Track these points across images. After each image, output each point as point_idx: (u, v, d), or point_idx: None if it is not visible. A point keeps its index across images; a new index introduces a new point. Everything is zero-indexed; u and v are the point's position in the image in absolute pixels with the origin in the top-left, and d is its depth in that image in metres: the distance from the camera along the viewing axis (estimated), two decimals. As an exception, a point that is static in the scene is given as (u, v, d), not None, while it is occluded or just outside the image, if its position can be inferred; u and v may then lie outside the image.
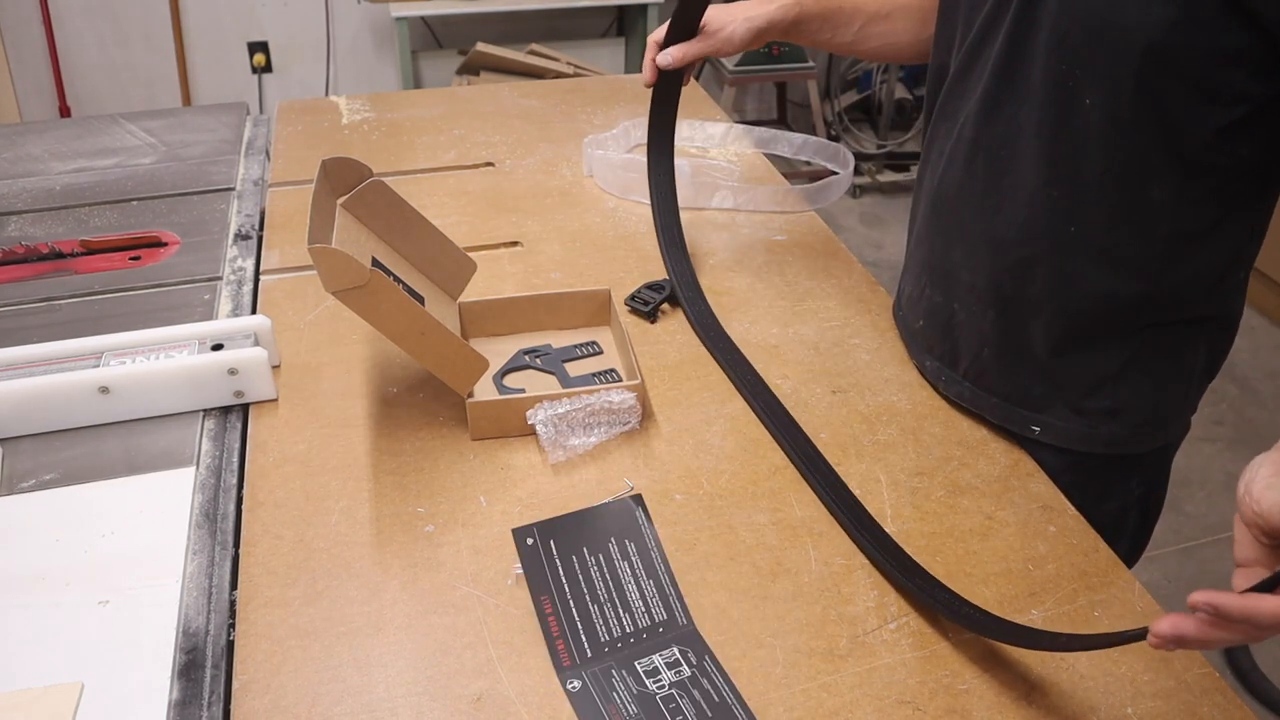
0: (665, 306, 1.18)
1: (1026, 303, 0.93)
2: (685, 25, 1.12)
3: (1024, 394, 0.97)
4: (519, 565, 0.81)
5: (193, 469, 0.92)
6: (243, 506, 0.89)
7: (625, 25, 3.78)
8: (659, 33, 1.14)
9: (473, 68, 3.35)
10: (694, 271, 1.21)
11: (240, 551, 0.84)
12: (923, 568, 0.82)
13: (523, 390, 1.01)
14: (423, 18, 3.53)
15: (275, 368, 1.06)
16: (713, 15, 1.12)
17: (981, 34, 0.89)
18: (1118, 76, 0.78)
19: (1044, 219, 0.88)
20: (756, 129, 1.63)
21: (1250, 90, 0.76)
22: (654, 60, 1.13)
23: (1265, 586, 0.58)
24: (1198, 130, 0.79)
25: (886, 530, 0.86)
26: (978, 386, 1.00)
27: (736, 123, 1.65)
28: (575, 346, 1.10)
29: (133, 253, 1.27)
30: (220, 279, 1.21)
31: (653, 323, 1.15)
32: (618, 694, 0.72)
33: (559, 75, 3.32)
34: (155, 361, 0.98)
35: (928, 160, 1.02)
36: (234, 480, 0.92)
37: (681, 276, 1.20)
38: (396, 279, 0.96)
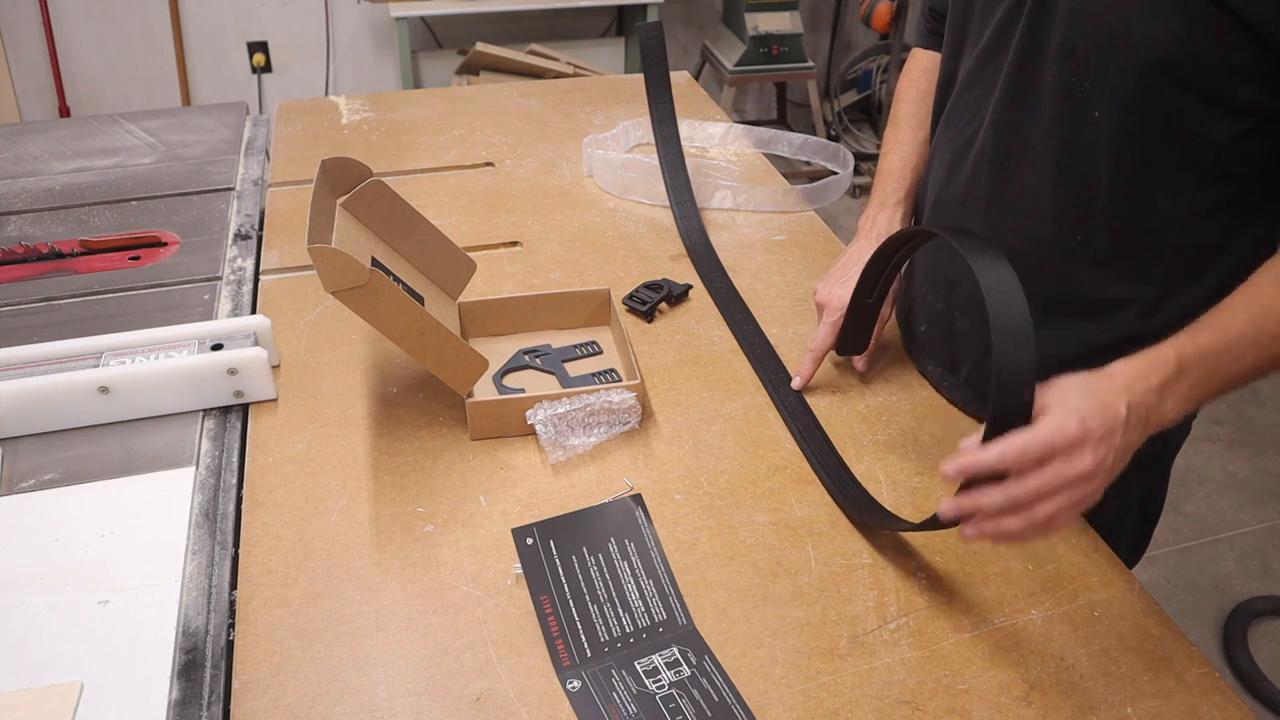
0: (663, 306, 1.18)
1: (1030, 311, 0.93)
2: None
3: None
4: (519, 565, 0.81)
5: (192, 469, 0.92)
6: (242, 506, 0.89)
7: (625, 25, 3.78)
8: (818, 341, 1.03)
9: (473, 68, 3.35)
10: (725, 271, 1.24)
11: (240, 551, 0.84)
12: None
13: (522, 390, 1.01)
14: (422, 18, 3.52)
15: (275, 368, 1.06)
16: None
17: (991, 44, 0.88)
18: (1126, 89, 0.78)
19: (1050, 228, 0.88)
20: (756, 129, 1.63)
21: (1259, 102, 0.76)
22: (816, 366, 1.03)
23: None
24: (1210, 140, 0.79)
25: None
26: (979, 393, 1.00)
27: (736, 123, 1.65)
28: (575, 346, 1.10)
29: (132, 253, 1.27)
30: (220, 279, 1.21)
31: (649, 322, 1.15)
32: (617, 694, 0.72)
33: (559, 75, 3.32)
34: (155, 361, 0.98)
35: (931, 167, 1.02)
36: (234, 480, 0.92)
37: (709, 272, 1.24)
38: (396, 279, 0.96)
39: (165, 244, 1.29)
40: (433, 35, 3.65)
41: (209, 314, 1.14)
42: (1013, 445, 0.67)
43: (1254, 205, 0.85)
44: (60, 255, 1.26)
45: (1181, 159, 0.81)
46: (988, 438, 0.69)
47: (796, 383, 1.03)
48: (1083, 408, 0.68)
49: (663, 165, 1.37)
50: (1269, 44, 0.72)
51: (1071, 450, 0.67)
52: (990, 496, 0.69)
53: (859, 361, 1.05)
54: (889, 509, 0.89)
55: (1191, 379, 0.72)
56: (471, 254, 1.08)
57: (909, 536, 0.86)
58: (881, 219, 1.07)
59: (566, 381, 1.04)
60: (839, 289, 1.03)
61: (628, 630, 0.78)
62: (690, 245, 1.29)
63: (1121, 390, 0.70)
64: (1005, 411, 0.68)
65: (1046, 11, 0.82)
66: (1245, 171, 0.81)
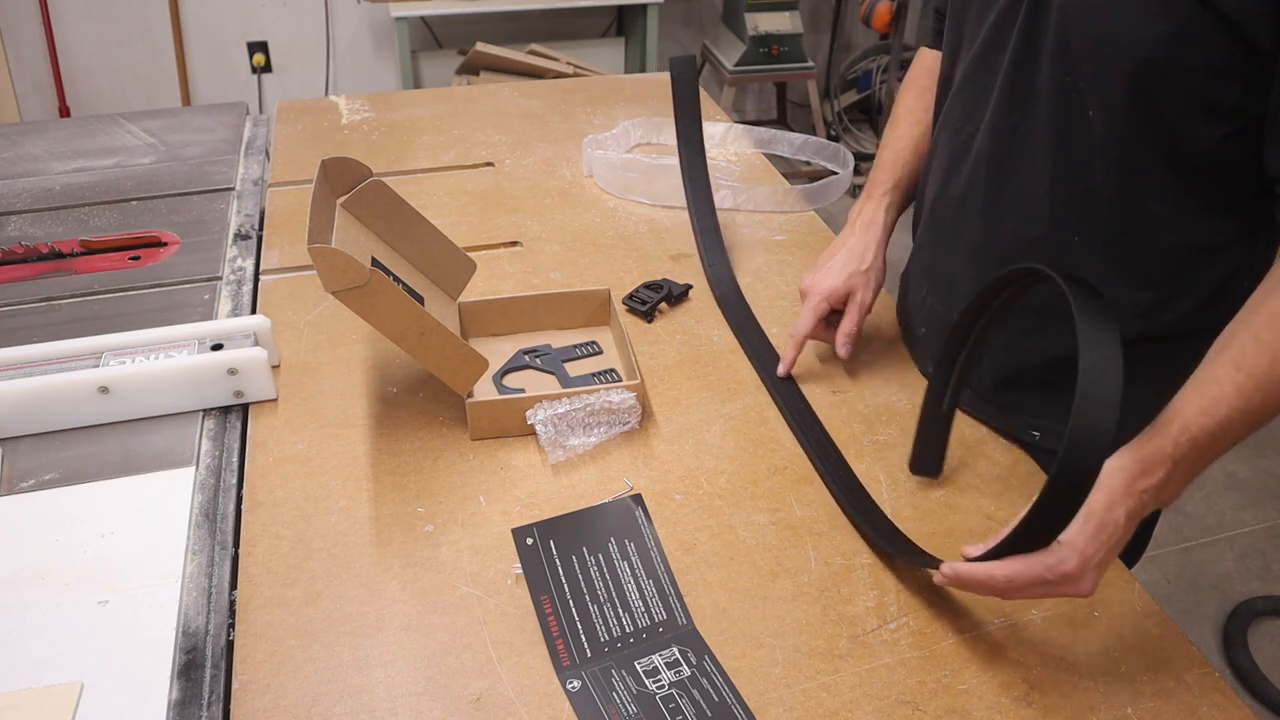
0: (663, 306, 1.18)
1: (1028, 313, 0.93)
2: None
3: (1024, 401, 0.97)
4: (519, 565, 0.81)
5: (192, 469, 0.92)
6: (242, 506, 0.89)
7: (625, 25, 3.78)
8: (799, 327, 1.04)
9: (473, 68, 3.35)
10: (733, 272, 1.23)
11: (240, 551, 0.84)
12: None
13: (522, 390, 1.01)
14: (422, 18, 3.52)
15: (275, 368, 1.06)
16: (842, 284, 1.04)
17: (988, 43, 0.88)
18: (1115, 88, 0.78)
19: (1048, 229, 0.88)
20: (756, 129, 1.63)
21: (1244, 105, 0.76)
22: (799, 351, 1.04)
23: (993, 554, 0.72)
24: (1195, 143, 0.79)
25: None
26: (977, 394, 1.00)
27: (736, 123, 1.65)
28: (575, 346, 1.10)
29: (132, 253, 1.27)
30: (220, 279, 1.21)
31: (649, 322, 1.15)
32: (617, 694, 0.72)
33: (559, 75, 3.31)
34: (155, 361, 0.98)
35: (930, 168, 1.02)
36: (234, 480, 0.92)
37: (718, 272, 1.22)
38: (396, 279, 0.96)
39: (165, 244, 1.29)
40: (433, 35, 3.64)
41: (209, 314, 1.14)
42: (1010, 575, 0.70)
43: (1249, 212, 0.84)
44: (60, 255, 1.26)
45: (1170, 160, 0.81)
46: (1027, 524, 0.69)
47: (781, 369, 1.04)
48: (1080, 538, 0.70)
49: (691, 213, 1.29)
50: (1254, 44, 0.72)
51: (1067, 582, 0.70)
52: (982, 588, 0.73)
53: (841, 349, 1.04)
54: (887, 510, 0.89)
55: (1186, 466, 0.74)
56: (471, 254, 1.08)
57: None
58: (868, 208, 1.08)
59: (566, 381, 1.04)
60: (819, 275, 1.05)
61: (628, 630, 0.78)
62: (720, 295, 1.20)
63: (1121, 499, 0.72)
64: (1055, 503, 0.67)
65: (1042, 10, 0.82)
66: (1234, 177, 0.81)
